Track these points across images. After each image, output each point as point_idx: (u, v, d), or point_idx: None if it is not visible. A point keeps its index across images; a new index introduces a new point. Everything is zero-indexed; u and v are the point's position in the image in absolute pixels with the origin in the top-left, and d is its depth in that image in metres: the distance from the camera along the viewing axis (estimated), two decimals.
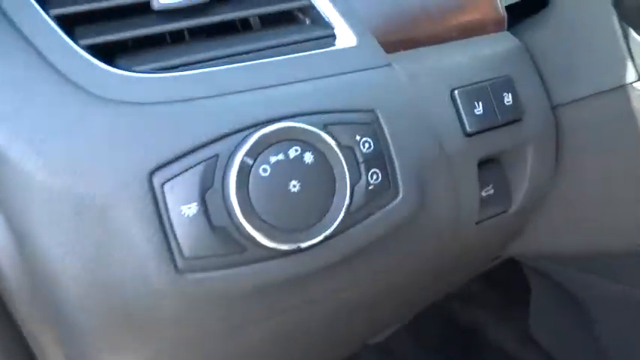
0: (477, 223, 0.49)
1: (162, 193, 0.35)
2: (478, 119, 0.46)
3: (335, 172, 0.38)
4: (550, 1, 0.51)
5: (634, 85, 0.47)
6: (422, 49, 0.47)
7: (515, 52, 0.51)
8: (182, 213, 0.35)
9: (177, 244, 0.35)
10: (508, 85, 0.48)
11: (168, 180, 0.35)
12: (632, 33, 0.47)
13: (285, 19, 0.44)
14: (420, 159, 0.43)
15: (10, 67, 0.34)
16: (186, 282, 0.36)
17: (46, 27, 0.36)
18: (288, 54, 0.41)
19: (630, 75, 0.47)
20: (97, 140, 0.34)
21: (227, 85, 0.38)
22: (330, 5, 0.44)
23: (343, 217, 0.38)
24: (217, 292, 0.37)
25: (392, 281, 0.46)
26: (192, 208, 0.35)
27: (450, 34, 0.49)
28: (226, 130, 0.36)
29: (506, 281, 0.89)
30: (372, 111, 0.41)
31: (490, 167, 0.50)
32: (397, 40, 0.46)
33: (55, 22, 0.36)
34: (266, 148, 0.36)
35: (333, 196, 0.38)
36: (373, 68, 0.43)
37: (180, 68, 0.38)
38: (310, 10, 0.44)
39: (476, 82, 0.47)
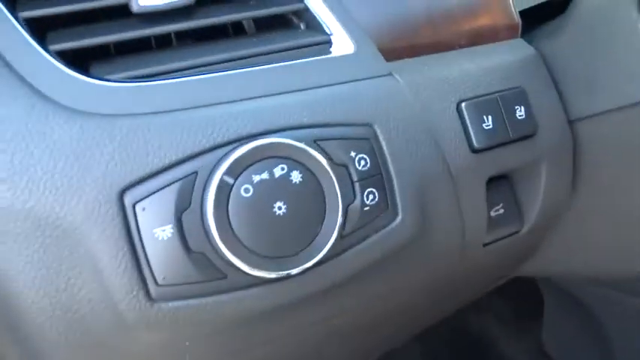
0: (484, 245, 0.47)
1: (134, 214, 0.33)
2: (487, 134, 0.44)
3: (325, 192, 0.36)
4: (568, 7, 0.50)
5: None
6: (426, 57, 0.45)
7: (530, 61, 0.49)
8: (155, 236, 0.33)
9: (150, 270, 0.33)
10: (521, 97, 0.46)
11: (141, 200, 0.33)
12: None
13: (278, 23, 0.43)
14: (421, 177, 0.41)
15: None
16: (160, 311, 0.34)
17: (11, 30, 0.34)
18: (279, 61, 0.40)
19: None
20: (63, 156, 0.33)
21: (208, 95, 0.36)
22: (327, 9, 0.42)
23: (334, 241, 0.36)
24: (195, 322, 0.35)
25: (389, 306, 0.45)
26: (166, 231, 0.33)
27: (458, 40, 0.47)
28: (205, 146, 0.35)
29: (519, 293, 0.88)
30: (369, 125, 0.39)
31: (500, 185, 0.48)
32: (399, 47, 0.44)
33: (23, 25, 0.35)
34: (249, 166, 0.34)
35: (324, 219, 0.36)
36: (372, 78, 0.41)
37: (159, 77, 0.37)
38: (305, 14, 0.43)
39: (485, 94, 0.45)
